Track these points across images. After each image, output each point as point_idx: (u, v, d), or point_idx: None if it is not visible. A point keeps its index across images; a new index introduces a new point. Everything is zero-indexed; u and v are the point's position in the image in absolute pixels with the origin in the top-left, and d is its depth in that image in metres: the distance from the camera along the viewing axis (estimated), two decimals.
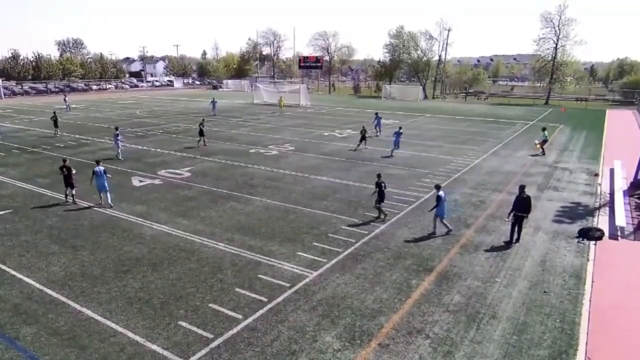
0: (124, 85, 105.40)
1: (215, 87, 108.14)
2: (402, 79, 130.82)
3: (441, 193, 14.84)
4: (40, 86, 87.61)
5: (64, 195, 18.47)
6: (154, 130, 37.93)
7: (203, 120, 33.78)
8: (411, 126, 42.30)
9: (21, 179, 21.69)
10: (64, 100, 54.66)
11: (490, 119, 49.44)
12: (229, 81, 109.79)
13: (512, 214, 14.69)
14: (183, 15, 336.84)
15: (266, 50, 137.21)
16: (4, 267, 12.54)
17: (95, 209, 17.35)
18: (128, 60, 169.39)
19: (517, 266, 13.03)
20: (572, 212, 17.73)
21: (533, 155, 29.05)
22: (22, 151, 28.46)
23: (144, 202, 18.32)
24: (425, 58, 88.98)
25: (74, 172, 18.18)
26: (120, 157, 26.34)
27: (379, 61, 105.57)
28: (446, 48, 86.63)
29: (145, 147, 30.16)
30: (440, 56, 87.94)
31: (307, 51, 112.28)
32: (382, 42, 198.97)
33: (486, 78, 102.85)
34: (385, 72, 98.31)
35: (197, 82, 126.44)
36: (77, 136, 34.59)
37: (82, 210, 17.21)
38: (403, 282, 11.94)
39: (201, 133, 30.90)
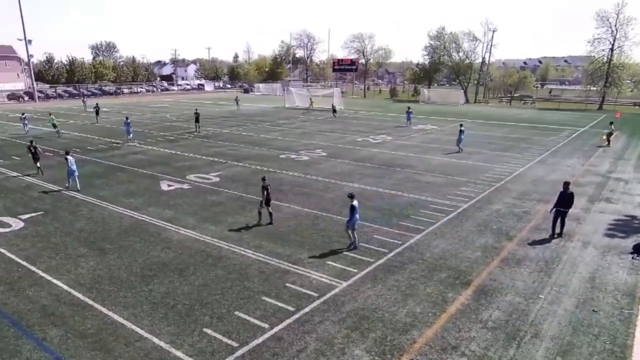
0: (154, 89, 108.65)
1: (246, 91, 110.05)
2: (442, 83, 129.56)
3: (355, 203, 14.48)
4: (73, 89, 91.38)
5: (36, 170, 24.05)
6: (184, 134, 38.94)
7: (196, 109, 43.55)
8: (450, 132, 41.75)
9: (52, 181, 22.69)
10: (83, 102, 62.40)
11: (536, 125, 48.27)
12: (261, 85, 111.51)
13: (554, 209, 15.98)
14: (216, 18, 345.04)
15: (299, 53, 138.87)
16: (34, 269, 13.17)
17: (69, 193, 18.00)
18: (160, 64, 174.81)
19: (564, 282, 12.67)
20: (626, 226, 17.10)
21: (599, 147, 33.70)
22: (53, 154, 29.73)
23: (171, 206, 18.84)
24: (467, 60, 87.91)
25: (40, 151, 24.74)
26: (130, 142, 34.19)
27: (418, 64, 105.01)
28: (490, 49, 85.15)
29: (174, 151, 31.02)
30: (483, 58, 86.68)
31: (342, 54, 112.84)
32: (421, 43, 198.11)
33: (533, 81, 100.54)
34: (424, 75, 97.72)
35: (228, 86, 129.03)
36: (107, 139, 35.91)
37: (111, 214, 17.88)
38: (438, 296, 11.82)
39: (197, 119, 40.33)
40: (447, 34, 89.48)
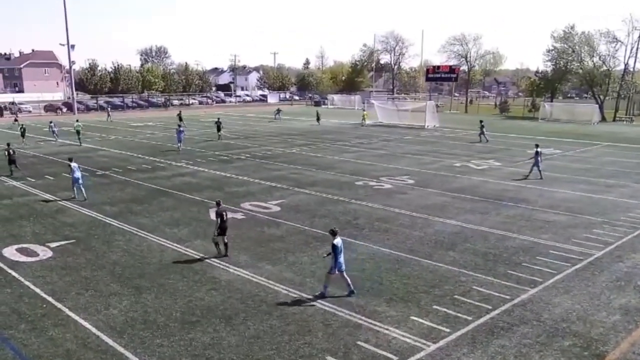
0: (209, 100, 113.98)
1: (317, 104, 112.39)
2: (570, 95, 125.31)
3: (337, 241, 14.10)
4: (117, 100, 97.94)
5: (9, 172, 30.89)
6: (240, 154, 40.36)
7: (218, 118, 52.82)
8: (580, 158, 40.15)
9: (87, 205, 24.22)
10: (108, 114, 73.67)
11: None
12: (335, 96, 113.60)
13: None
14: (283, 19, 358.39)
15: (385, 59, 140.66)
16: (59, 306, 13.98)
17: (71, 206, 18.78)
18: (216, 71, 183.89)
19: None
20: None
21: None
22: (90, 174, 31.84)
23: None
24: (604, 67, 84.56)
25: (16, 153, 31.87)
26: (180, 149, 41.63)
27: (537, 71, 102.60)
28: (636, 54, 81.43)
29: (227, 174, 32.16)
30: (626, 64, 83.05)
31: (438, 59, 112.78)
32: (542, 46, 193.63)
33: None
34: (545, 85, 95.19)
35: (296, 97, 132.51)
36: (151, 158, 38.00)
37: (151, 245, 18.72)
38: None
39: (219, 128, 49.14)
40: (578, 34, 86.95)
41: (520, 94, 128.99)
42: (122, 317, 13.34)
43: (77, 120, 49.80)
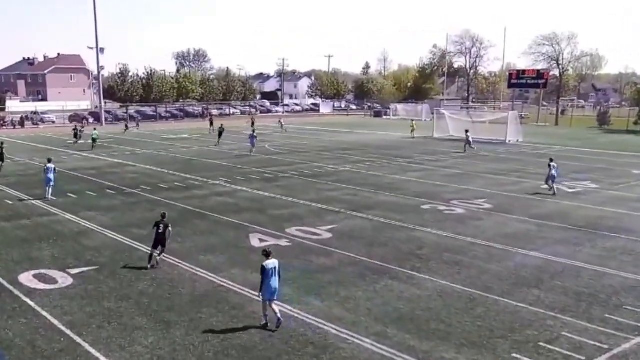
0: (253, 110, 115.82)
1: (377, 114, 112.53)
2: None
3: (268, 263, 14.28)
4: (149, 110, 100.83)
5: None
6: (287, 172, 40.83)
7: (222, 124, 62.50)
8: None
9: (113, 227, 24.94)
10: (125, 125, 79.41)
11: None
12: (399, 105, 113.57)
13: None
14: (340, 19, 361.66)
15: (459, 62, 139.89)
16: (79, 340, 14.35)
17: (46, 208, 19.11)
18: (262, 77, 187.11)
19: None
20: None
21: None
22: (117, 192, 32.81)
23: None
24: None
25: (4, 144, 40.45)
26: (252, 152, 50.57)
27: None
28: None
29: (271, 194, 32.56)
30: None
31: (524, 62, 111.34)
32: None
33: None
34: None
35: (353, 107, 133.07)
36: (185, 175, 38.87)
37: (182, 274, 19.08)
38: None
39: (220, 135, 58.64)
40: None
41: (624, 103, 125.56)
42: (148, 355, 13.59)
43: (94, 128, 60.17)
